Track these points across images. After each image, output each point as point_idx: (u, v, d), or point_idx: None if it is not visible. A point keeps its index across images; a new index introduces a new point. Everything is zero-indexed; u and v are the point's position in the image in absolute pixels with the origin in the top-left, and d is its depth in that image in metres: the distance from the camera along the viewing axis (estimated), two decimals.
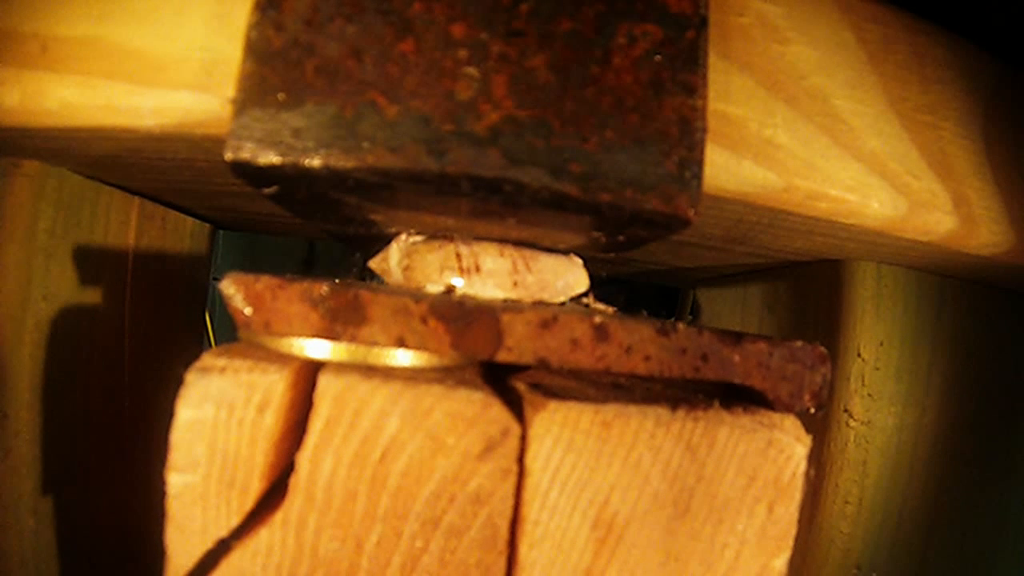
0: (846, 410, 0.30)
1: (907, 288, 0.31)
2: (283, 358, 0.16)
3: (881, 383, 0.30)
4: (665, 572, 0.16)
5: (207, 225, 0.40)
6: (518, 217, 0.18)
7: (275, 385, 0.15)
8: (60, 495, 0.29)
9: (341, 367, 0.16)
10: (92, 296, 0.30)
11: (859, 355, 0.30)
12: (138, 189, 0.31)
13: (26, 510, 0.27)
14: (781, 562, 0.17)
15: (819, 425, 0.30)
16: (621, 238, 0.20)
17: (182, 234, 0.37)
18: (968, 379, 0.32)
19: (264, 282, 0.16)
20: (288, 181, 0.17)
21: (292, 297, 0.16)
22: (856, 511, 0.30)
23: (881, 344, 0.30)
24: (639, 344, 0.17)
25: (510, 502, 0.16)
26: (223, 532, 0.16)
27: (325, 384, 0.15)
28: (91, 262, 0.30)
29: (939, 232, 0.25)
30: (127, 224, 0.32)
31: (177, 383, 0.15)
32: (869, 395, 0.30)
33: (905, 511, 0.31)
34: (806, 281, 0.34)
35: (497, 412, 0.16)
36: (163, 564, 0.16)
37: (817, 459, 0.30)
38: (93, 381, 0.31)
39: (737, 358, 0.17)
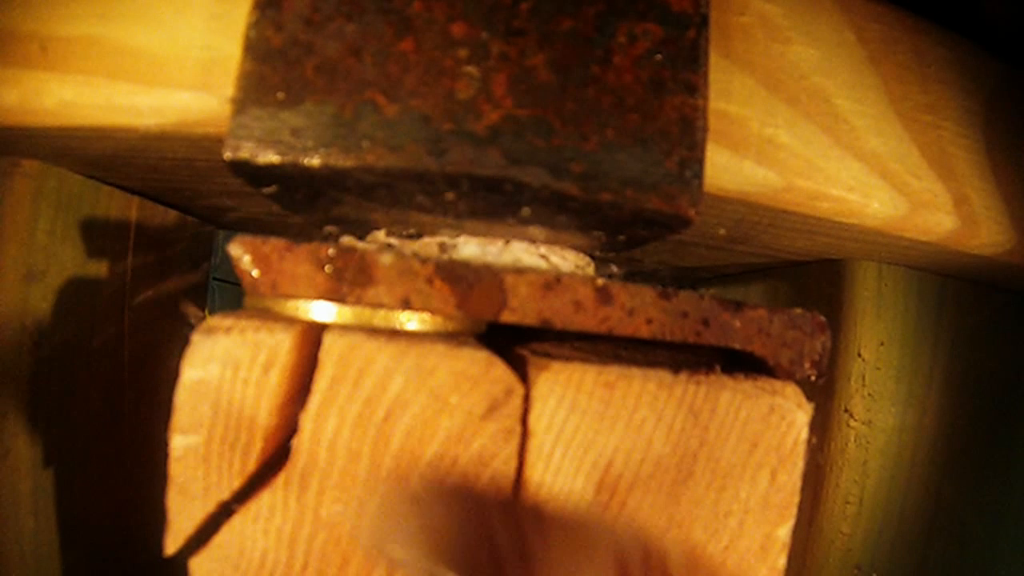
0: (846, 410, 0.30)
1: (908, 288, 0.31)
2: (289, 320, 0.16)
3: (882, 383, 0.30)
4: (669, 538, 0.16)
5: (207, 225, 0.40)
6: (518, 217, 0.18)
7: (281, 344, 0.15)
8: (60, 495, 0.29)
9: (346, 327, 0.16)
10: (92, 296, 0.30)
11: (859, 355, 0.30)
12: (138, 189, 0.31)
13: (26, 510, 0.27)
14: (785, 531, 0.17)
15: (819, 425, 0.30)
16: (622, 238, 0.20)
17: (182, 234, 0.37)
18: (969, 379, 0.32)
19: (272, 244, 0.16)
20: (287, 180, 0.17)
21: (299, 258, 0.16)
22: (856, 511, 0.30)
23: (882, 344, 0.30)
24: (641, 307, 0.17)
25: (513, 463, 0.16)
26: (225, 495, 0.15)
27: (330, 342, 0.15)
28: (91, 262, 0.30)
29: (940, 232, 0.25)
30: (127, 224, 0.32)
31: (183, 344, 0.15)
32: (870, 395, 0.30)
33: (905, 511, 0.31)
34: (807, 281, 0.34)
35: (501, 372, 0.15)
36: (163, 529, 0.15)
37: (817, 459, 0.30)
38: (93, 381, 0.31)
39: (738, 323, 0.17)
